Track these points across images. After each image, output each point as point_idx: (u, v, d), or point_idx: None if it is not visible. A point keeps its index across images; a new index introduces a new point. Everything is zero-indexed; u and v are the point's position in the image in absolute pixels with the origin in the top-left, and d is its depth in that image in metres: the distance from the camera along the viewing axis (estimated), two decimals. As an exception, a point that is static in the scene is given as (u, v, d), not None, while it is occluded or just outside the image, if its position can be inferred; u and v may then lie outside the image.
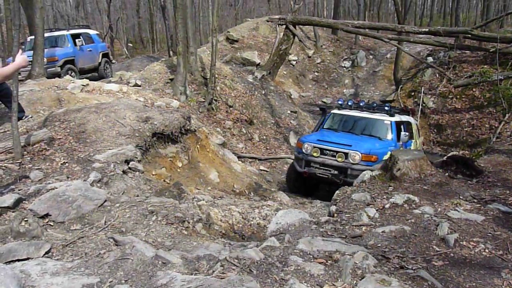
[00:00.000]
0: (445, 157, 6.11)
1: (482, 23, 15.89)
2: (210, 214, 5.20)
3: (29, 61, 11.88)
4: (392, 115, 9.09)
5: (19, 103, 6.13)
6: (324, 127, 9.68)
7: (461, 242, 3.59)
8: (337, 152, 8.25)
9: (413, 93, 14.00)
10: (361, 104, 9.72)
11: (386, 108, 9.21)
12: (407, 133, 8.63)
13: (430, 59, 14.95)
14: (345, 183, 7.71)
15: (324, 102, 17.57)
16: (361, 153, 8.02)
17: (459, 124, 12.27)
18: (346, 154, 8.15)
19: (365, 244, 3.68)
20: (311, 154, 8.56)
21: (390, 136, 8.82)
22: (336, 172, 8.21)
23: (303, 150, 8.68)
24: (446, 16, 35.12)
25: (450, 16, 30.07)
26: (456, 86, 12.42)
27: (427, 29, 13.09)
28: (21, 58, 3.58)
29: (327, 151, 8.39)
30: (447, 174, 5.43)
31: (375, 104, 9.59)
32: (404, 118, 9.52)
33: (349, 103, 9.77)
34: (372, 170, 7.06)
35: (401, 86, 14.82)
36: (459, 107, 12.59)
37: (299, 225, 4.35)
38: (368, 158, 7.99)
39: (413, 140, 9.58)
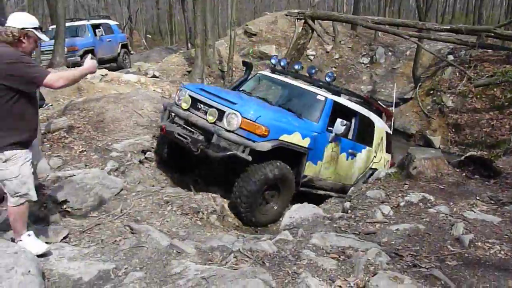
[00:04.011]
0: (463, 157, 6.03)
1: (506, 21, 15.55)
2: (224, 206, 5.24)
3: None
4: (336, 93, 6.26)
5: (40, 91, 6.25)
6: (242, 88, 6.84)
7: (476, 243, 3.55)
8: (211, 107, 5.32)
9: (432, 92, 13.81)
10: (296, 66, 7.00)
11: (328, 79, 6.31)
12: (345, 122, 5.70)
13: (450, 57, 14.70)
14: (204, 156, 5.21)
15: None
16: (243, 117, 4.99)
17: (478, 124, 12.06)
18: (221, 113, 5.17)
19: (379, 241, 3.67)
20: (179, 104, 5.70)
21: (316, 117, 5.85)
22: (199, 137, 5.26)
23: (176, 98, 5.95)
24: (469, 14, 34.48)
25: (473, 14, 29.51)
26: (476, 86, 12.21)
27: (448, 27, 12.84)
28: (90, 62, 3.33)
29: (201, 105, 5.47)
30: (464, 174, 5.37)
31: (313, 70, 6.71)
32: (359, 108, 6.58)
33: (282, 64, 7.08)
34: (248, 148, 4.89)
35: (420, 84, 14.62)
36: (479, 107, 12.38)
37: (313, 220, 4.36)
38: (252, 128, 4.97)
39: (368, 148, 6.73)
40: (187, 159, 5.98)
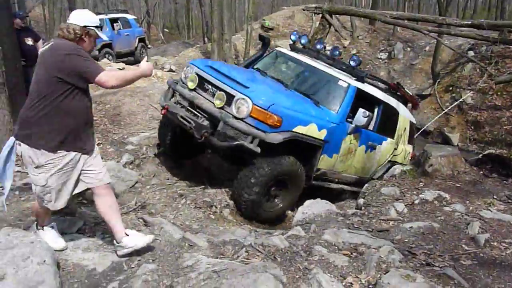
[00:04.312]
0: (481, 155, 5.93)
1: (529, 17, 15.17)
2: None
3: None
4: (359, 79, 5.63)
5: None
6: (256, 66, 6.24)
7: (492, 243, 3.50)
8: (219, 90, 4.81)
9: (451, 88, 13.59)
10: (318, 46, 6.23)
11: (352, 63, 5.66)
12: (368, 113, 5.14)
13: (471, 53, 14.41)
14: (209, 144, 4.80)
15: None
16: (253, 104, 4.49)
17: (498, 122, 11.83)
18: (230, 98, 4.68)
19: (392, 238, 3.64)
20: (185, 83, 5.19)
21: (336, 106, 5.31)
22: (204, 122, 4.80)
23: (182, 75, 5.37)
24: (491, 8, 33.72)
25: (496, 8, 28.87)
26: (497, 82, 11.95)
27: (469, 22, 12.56)
28: (146, 65, 3.06)
29: (209, 85, 4.96)
30: (481, 172, 5.29)
31: (337, 52, 6.04)
32: (384, 97, 5.99)
33: (303, 41, 6.38)
34: (258, 139, 4.45)
35: (439, 80, 14.38)
36: (500, 104, 12.14)
37: (326, 216, 4.34)
38: (263, 117, 4.51)
39: (389, 139, 6.18)
40: (191, 146, 5.46)
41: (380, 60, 20.05)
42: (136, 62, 15.13)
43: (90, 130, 3.08)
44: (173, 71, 12.67)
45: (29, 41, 7.08)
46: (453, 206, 4.22)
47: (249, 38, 13.53)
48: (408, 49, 20.12)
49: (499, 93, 12.33)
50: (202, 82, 5.04)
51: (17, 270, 2.56)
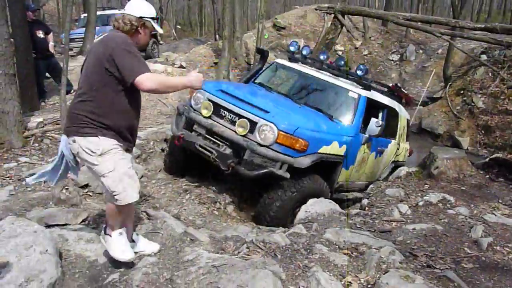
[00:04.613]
0: (488, 158, 5.88)
1: (545, 21, 14.98)
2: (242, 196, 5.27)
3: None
4: (367, 88, 5.60)
5: (67, 77, 6.40)
6: (257, 80, 6.09)
7: (495, 247, 3.48)
8: (240, 117, 4.63)
9: (462, 91, 13.47)
10: (321, 57, 6.20)
11: (359, 72, 5.57)
12: (380, 122, 5.17)
13: (484, 57, 14.26)
14: (237, 174, 4.56)
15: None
16: (279, 130, 4.38)
17: (509, 127, 11.71)
18: (253, 124, 4.52)
19: (394, 239, 3.64)
20: (198, 110, 4.95)
21: (350, 118, 5.26)
22: (226, 151, 4.59)
23: (192, 102, 5.08)
24: (507, 12, 33.33)
25: (511, 12, 28.53)
26: (509, 87, 11.86)
27: (483, 25, 12.41)
28: (195, 76, 2.81)
29: (226, 112, 4.76)
30: (488, 176, 5.25)
31: (342, 62, 5.92)
32: (388, 101, 5.98)
33: (304, 52, 6.31)
34: (286, 164, 4.37)
35: (451, 83, 14.27)
36: (511, 109, 12.03)
37: (329, 215, 4.33)
38: (290, 142, 4.41)
39: (393, 141, 6.26)
40: (202, 165, 5.25)
41: (392, 61, 19.93)
42: (148, 57, 15.18)
43: (135, 129, 2.94)
44: (184, 68, 12.70)
45: (40, 34, 7.17)
46: (457, 209, 4.20)
47: (260, 37, 13.51)
48: (421, 51, 19.98)
49: (511, 97, 12.19)
50: (217, 109, 4.84)
51: (20, 259, 2.59)
